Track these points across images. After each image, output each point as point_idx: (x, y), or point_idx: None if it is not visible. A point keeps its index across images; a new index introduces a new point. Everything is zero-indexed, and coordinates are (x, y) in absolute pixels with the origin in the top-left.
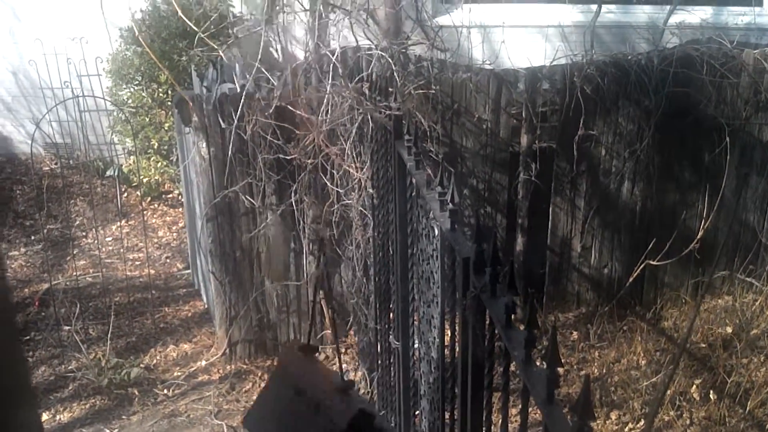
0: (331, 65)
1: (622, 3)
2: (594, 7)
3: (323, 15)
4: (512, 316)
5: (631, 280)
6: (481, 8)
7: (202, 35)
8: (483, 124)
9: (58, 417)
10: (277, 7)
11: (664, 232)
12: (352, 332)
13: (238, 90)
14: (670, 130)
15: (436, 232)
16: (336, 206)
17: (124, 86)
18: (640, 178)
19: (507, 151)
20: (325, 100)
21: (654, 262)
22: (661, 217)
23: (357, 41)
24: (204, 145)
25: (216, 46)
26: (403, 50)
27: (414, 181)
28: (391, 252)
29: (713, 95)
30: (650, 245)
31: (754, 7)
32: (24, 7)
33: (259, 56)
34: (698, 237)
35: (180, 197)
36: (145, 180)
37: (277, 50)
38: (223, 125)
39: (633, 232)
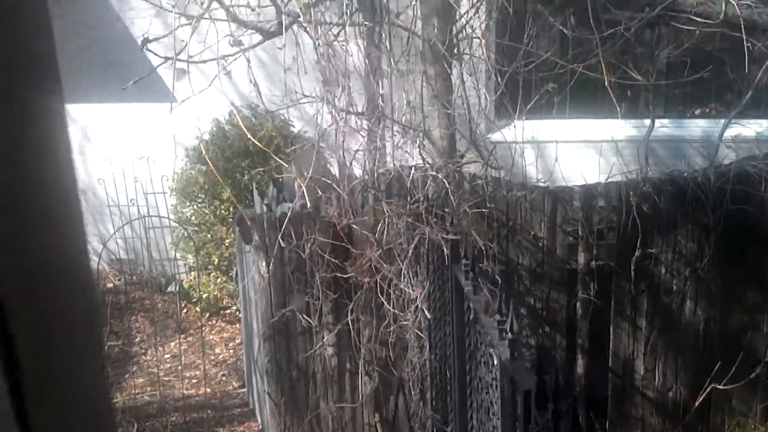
0: (388, 184)
1: (676, 117)
2: (647, 121)
3: (380, 137)
4: None
5: (697, 404)
6: (535, 124)
7: (271, 153)
8: (539, 242)
9: None
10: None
11: (729, 353)
12: None
13: (298, 209)
14: (731, 249)
15: (495, 360)
16: (392, 327)
17: (188, 204)
18: (702, 297)
19: (564, 269)
20: (382, 220)
21: (720, 386)
22: (725, 338)
23: (414, 160)
24: (263, 264)
25: (281, 161)
26: (458, 169)
27: (471, 305)
28: (448, 376)
29: None
30: (716, 368)
31: None
32: (95, 128)
33: (318, 175)
34: (765, 360)
35: (238, 313)
36: (204, 296)
37: (334, 167)
38: (282, 245)
39: (697, 353)
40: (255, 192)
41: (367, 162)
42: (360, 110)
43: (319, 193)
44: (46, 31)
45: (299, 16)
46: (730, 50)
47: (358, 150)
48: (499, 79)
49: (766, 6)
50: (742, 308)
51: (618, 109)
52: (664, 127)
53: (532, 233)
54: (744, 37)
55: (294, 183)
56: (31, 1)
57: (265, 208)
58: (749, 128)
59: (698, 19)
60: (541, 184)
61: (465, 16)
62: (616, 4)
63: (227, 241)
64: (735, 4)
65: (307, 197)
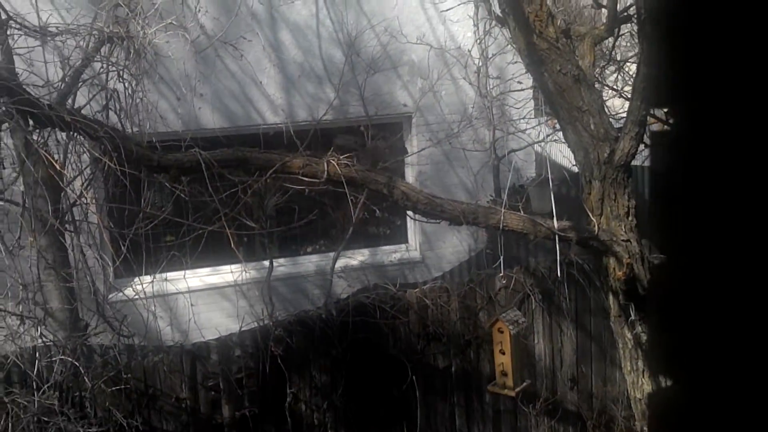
0: (7, 373)
1: (290, 256)
2: (267, 263)
3: None
4: None
5: None
6: (162, 280)
7: None
8: (182, 404)
9: None
10: None
11: None
12: None
13: None
14: (360, 375)
15: None
16: None
17: None
18: (341, 424)
19: (209, 425)
20: (5, 414)
21: None
22: None
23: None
24: None
25: None
26: (86, 342)
27: None
28: None
29: (390, 336)
30: None
31: (402, 245)
32: None
33: None
34: None
35: None
36: None
37: None
38: None
39: None
40: None
41: None
42: None
43: None
44: None
45: None
46: (330, 193)
47: None
48: (120, 243)
49: (357, 164)
50: (378, 427)
51: (238, 255)
52: (281, 266)
53: (174, 396)
54: (346, 190)
55: None
56: None
57: None
58: (354, 258)
59: (305, 178)
60: (177, 344)
61: (74, 184)
62: (229, 170)
63: None
64: (335, 164)
65: None
